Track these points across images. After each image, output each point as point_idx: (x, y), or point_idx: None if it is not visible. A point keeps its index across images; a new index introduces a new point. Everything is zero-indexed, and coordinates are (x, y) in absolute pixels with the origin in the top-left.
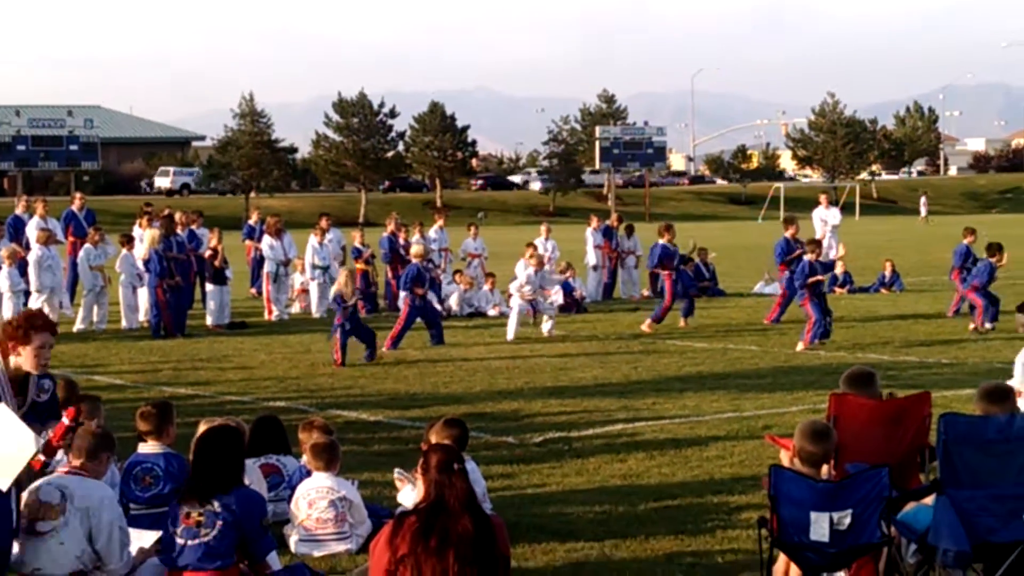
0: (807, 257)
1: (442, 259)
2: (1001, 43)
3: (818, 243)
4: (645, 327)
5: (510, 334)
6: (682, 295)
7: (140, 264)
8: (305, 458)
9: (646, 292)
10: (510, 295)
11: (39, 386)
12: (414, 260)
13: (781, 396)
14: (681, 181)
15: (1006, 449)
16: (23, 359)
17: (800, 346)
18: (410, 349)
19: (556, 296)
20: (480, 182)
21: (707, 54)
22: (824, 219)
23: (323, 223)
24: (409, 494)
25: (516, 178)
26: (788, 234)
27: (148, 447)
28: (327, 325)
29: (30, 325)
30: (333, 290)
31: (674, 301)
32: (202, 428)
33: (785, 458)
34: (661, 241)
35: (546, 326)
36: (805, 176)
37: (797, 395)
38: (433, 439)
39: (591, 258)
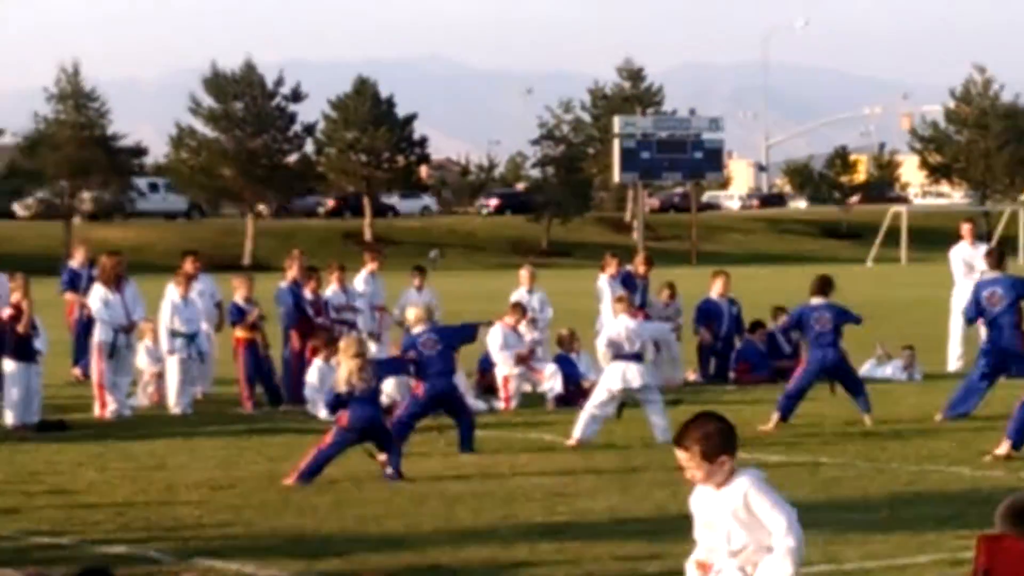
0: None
1: (375, 322)
2: None
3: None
4: (770, 426)
5: (578, 432)
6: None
7: None
8: None
9: (692, 375)
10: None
11: None
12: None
13: (902, 539)
14: (749, 203)
15: None
16: None
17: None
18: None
19: (553, 380)
20: (495, 201)
21: (784, 6)
22: (969, 262)
23: (188, 266)
24: None
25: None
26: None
27: None
28: (191, 425)
29: None
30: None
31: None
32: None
33: None
34: (711, 294)
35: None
36: (939, 195)
37: (926, 538)
38: None
39: (607, 322)
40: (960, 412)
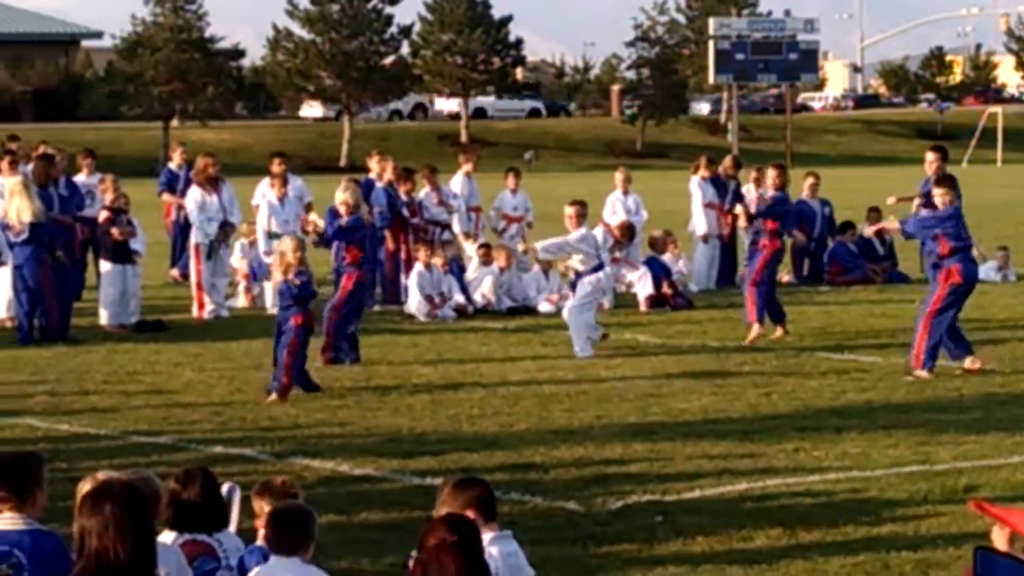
0: None
1: (471, 223)
2: None
3: None
4: None
5: (579, 347)
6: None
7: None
8: (260, 534)
9: (786, 276)
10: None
11: None
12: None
13: (995, 440)
14: (844, 103)
15: None
16: None
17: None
18: (418, 364)
19: (643, 281)
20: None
21: None
22: None
23: (275, 167)
24: None
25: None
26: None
27: (3, 520)
28: None
29: None
30: (275, 272)
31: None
32: (86, 487)
33: (1001, 538)
34: (804, 196)
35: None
36: None
37: (1020, 438)
38: (443, 508)
39: (698, 224)
40: None
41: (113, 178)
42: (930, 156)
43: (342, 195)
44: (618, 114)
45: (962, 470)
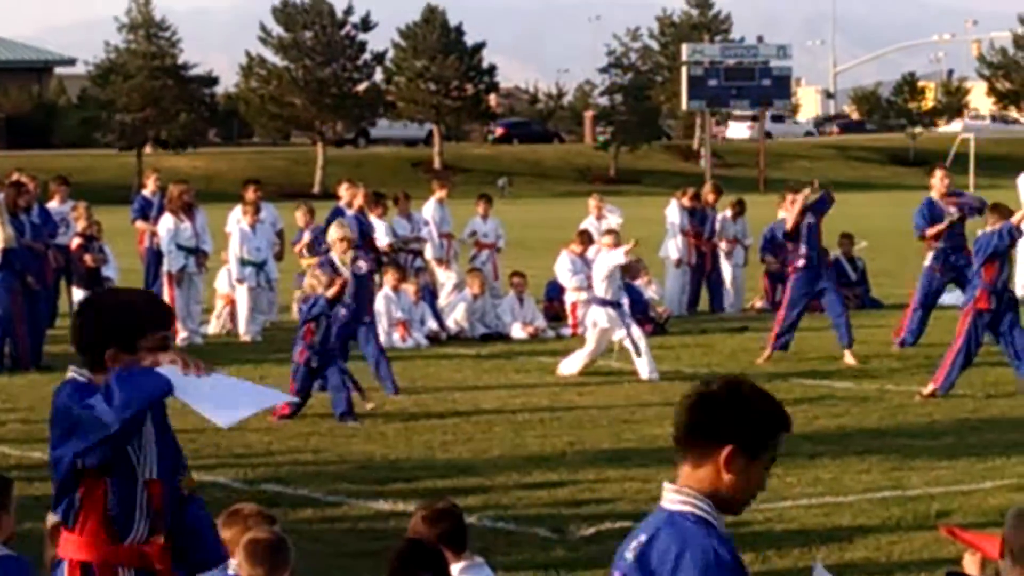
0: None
1: (443, 249)
2: None
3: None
4: (762, 358)
5: (575, 364)
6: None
7: None
8: (233, 563)
9: (759, 302)
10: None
11: None
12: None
13: (967, 465)
14: (829, 130)
15: None
16: None
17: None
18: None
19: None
20: (501, 130)
21: None
22: None
23: (250, 194)
24: None
25: None
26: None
27: None
28: (261, 352)
29: None
30: (303, 287)
31: (795, 311)
32: (55, 517)
33: (972, 563)
34: (783, 213)
35: (644, 366)
36: (1010, 121)
37: (992, 464)
38: (415, 532)
39: (671, 248)
40: None
41: (85, 205)
42: None
43: (337, 231)
44: (591, 140)
45: (934, 496)
